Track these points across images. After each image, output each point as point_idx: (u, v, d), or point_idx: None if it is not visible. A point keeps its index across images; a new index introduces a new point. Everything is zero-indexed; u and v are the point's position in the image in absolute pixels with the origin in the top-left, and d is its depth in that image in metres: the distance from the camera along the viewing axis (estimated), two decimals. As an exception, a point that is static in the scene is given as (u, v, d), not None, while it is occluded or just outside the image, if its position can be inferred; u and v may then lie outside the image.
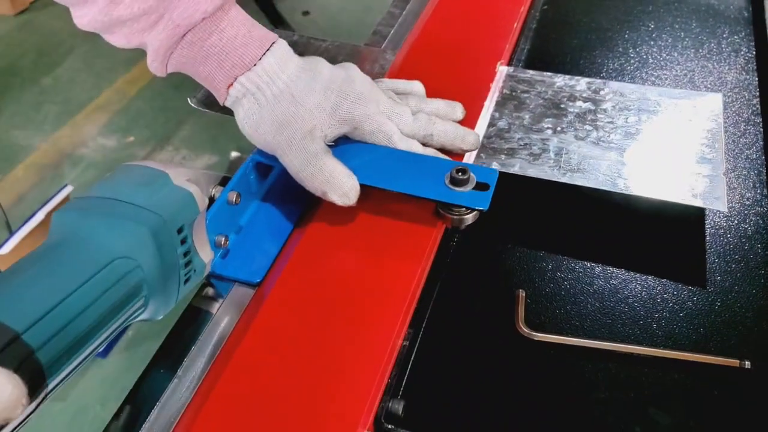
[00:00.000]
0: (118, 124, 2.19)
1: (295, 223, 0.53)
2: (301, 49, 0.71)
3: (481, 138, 0.58)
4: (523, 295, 0.50)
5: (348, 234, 0.50)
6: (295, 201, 0.53)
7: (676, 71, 0.70)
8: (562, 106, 0.61)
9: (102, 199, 0.39)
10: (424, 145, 0.54)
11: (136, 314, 0.38)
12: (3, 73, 2.43)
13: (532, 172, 0.55)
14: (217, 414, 0.40)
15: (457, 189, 0.49)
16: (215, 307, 0.48)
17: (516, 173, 0.55)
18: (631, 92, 0.62)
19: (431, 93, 0.60)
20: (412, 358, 0.47)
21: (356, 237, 0.50)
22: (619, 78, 0.70)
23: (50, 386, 0.31)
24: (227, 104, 0.51)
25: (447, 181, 0.49)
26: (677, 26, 0.76)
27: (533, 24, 0.79)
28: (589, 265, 0.52)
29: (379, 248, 0.49)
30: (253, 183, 0.54)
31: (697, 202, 0.51)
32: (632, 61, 0.72)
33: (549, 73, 0.65)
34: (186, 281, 0.42)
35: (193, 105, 0.65)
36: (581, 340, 0.47)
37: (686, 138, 0.57)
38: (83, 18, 0.49)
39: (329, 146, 0.51)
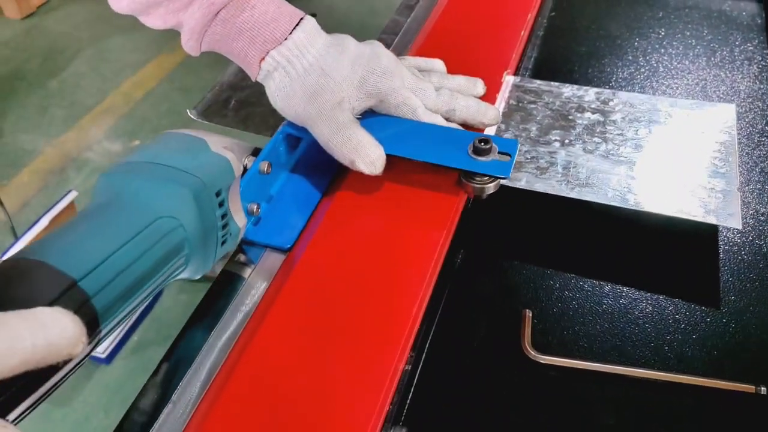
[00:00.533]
0: (123, 128, 2.18)
1: (323, 193, 0.55)
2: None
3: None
4: (530, 315, 0.48)
5: (374, 202, 0.52)
6: (323, 172, 0.55)
7: (688, 80, 0.68)
8: (570, 117, 0.60)
9: (145, 163, 0.41)
10: (447, 120, 0.56)
11: (178, 272, 0.40)
12: (9, 78, 2.43)
13: (540, 186, 0.53)
14: (246, 381, 0.41)
15: (479, 158, 0.50)
16: (247, 273, 0.49)
17: (523, 188, 0.53)
18: (641, 103, 0.60)
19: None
20: (414, 382, 0.45)
21: (382, 205, 0.52)
22: (629, 87, 0.68)
23: (102, 333, 0.33)
24: (259, 79, 0.52)
25: (470, 151, 0.51)
26: (688, 33, 0.75)
27: (540, 31, 0.77)
28: (597, 283, 0.51)
29: (404, 216, 0.51)
30: (282, 154, 0.55)
31: (710, 219, 0.49)
32: (642, 70, 0.70)
33: (557, 83, 0.63)
34: (223, 243, 0.44)
35: (192, 117, 0.64)
36: (590, 363, 0.46)
37: (698, 151, 0.55)
38: (121, 2, 0.50)
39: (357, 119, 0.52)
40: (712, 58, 0.71)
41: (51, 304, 0.29)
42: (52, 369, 0.28)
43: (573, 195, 0.52)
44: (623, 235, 0.54)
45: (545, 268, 0.52)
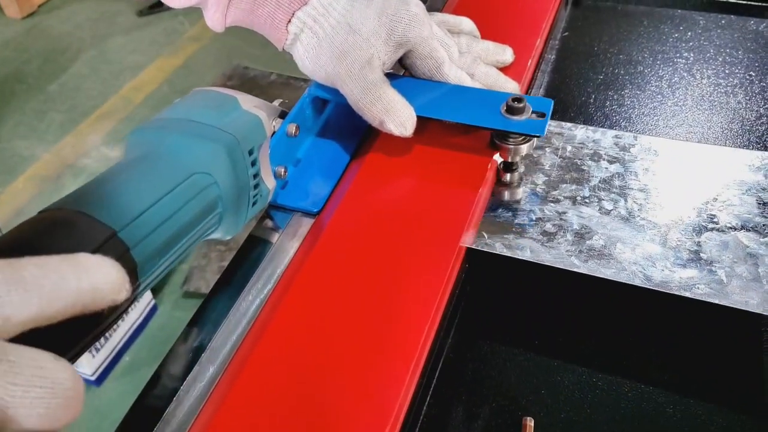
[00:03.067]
0: (122, 132, 2.11)
1: (352, 156, 0.53)
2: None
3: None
4: (532, 424, 0.40)
5: (404, 165, 0.51)
6: (351, 135, 0.54)
7: (721, 118, 0.59)
8: (584, 168, 0.51)
9: (177, 120, 0.40)
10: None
11: (211, 230, 0.40)
12: (8, 80, 2.37)
13: (546, 258, 0.45)
14: (278, 338, 0.41)
15: (513, 118, 0.48)
16: (275, 238, 0.49)
17: (527, 260, 0.45)
18: (667, 150, 0.51)
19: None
20: None
21: (412, 168, 0.50)
22: (652, 125, 0.59)
23: (140, 287, 0.33)
24: (286, 46, 0.51)
25: (503, 111, 0.49)
26: (721, 59, 0.65)
27: (551, 55, 0.68)
28: (615, 381, 0.42)
29: (435, 179, 0.49)
30: (309, 118, 0.54)
31: (753, 308, 0.41)
32: (668, 104, 0.61)
33: (568, 125, 0.54)
34: (254, 204, 0.43)
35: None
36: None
37: (738, 213, 0.46)
38: None
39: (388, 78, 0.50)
40: (750, 89, 0.62)
41: (93, 252, 0.28)
42: (95, 318, 0.28)
43: (584, 271, 0.43)
44: (647, 318, 0.45)
45: (552, 360, 0.44)
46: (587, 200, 0.48)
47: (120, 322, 1.53)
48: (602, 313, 0.46)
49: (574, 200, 0.48)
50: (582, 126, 0.54)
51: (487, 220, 0.47)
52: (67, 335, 0.28)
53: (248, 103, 0.44)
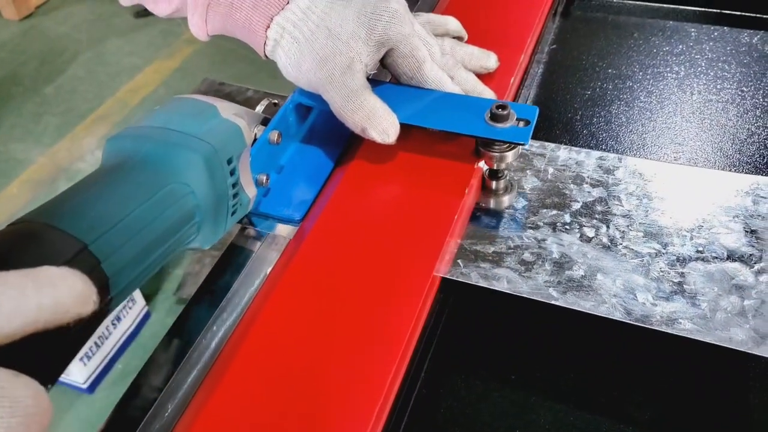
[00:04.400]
0: (118, 136, 2.10)
1: (335, 163, 0.53)
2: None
3: (461, 242, 0.46)
4: (504, 468, 0.38)
5: (388, 173, 0.50)
6: (335, 142, 0.54)
7: (712, 136, 0.57)
8: (566, 192, 0.49)
9: (154, 128, 0.40)
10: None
11: (189, 240, 0.39)
12: (4, 82, 2.36)
13: (524, 289, 0.43)
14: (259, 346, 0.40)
15: (497, 125, 0.48)
16: (256, 246, 0.48)
17: (504, 291, 0.43)
18: (654, 173, 0.50)
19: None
20: None
21: (396, 176, 0.50)
22: (639, 144, 0.57)
23: (113, 301, 0.32)
24: (267, 52, 0.51)
25: (487, 118, 0.48)
26: (712, 73, 0.63)
27: (538, 68, 0.66)
28: (593, 420, 0.40)
29: (419, 186, 0.49)
30: (292, 125, 0.54)
31: (735, 345, 0.39)
32: (657, 120, 0.59)
33: (552, 145, 0.52)
34: (233, 213, 0.43)
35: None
36: None
37: (725, 242, 0.44)
38: None
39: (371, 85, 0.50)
40: (743, 105, 0.60)
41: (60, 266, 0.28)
42: (61, 332, 0.26)
43: (561, 303, 0.42)
44: (628, 353, 0.44)
45: (528, 396, 0.42)
46: (568, 227, 0.46)
47: (113, 329, 1.52)
48: (581, 346, 0.44)
49: (554, 227, 0.46)
50: (565, 147, 0.52)
51: (464, 247, 0.46)
52: (31, 351, 0.26)
53: (228, 111, 0.43)
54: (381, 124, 0.47)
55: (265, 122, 0.50)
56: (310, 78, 0.49)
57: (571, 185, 0.49)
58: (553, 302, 0.42)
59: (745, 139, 0.57)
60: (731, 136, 0.57)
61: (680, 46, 0.66)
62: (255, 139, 0.48)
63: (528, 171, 0.51)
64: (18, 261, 0.28)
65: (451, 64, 0.54)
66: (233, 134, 0.42)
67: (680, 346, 0.41)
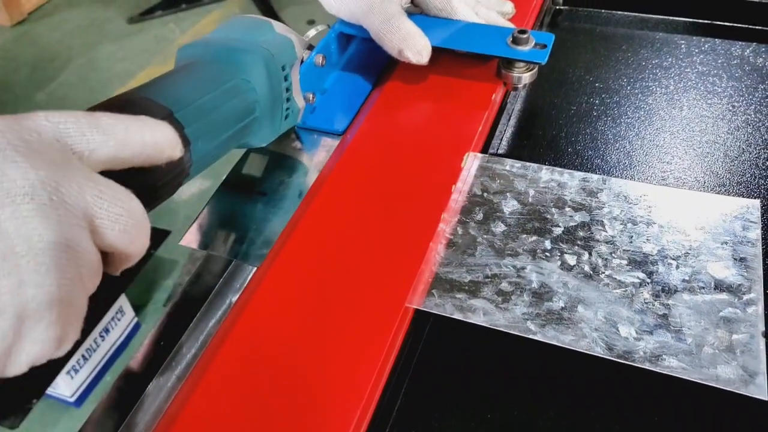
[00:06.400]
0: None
1: (374, 85, 0.59)
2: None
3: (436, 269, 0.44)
4: None
5: (420, 91, 0.57)
6: (372, 70, 0.61)
7: (700, 153, 0.55)
8: (547, 216, 0.47)
9: (220, 38, 0.47)
10: None
11: (249, 133, 0.46)
12: (-4, 89, 2.34)
13: (501, 322, 0.41)
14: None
15: (518, 47, 0.54)
16: (303, 157, 0.54)
17: (480, 324, 0.41)
18: (639, 196, 0.47)
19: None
20: None
21: (428, 93, 0.56)
22: (626, 163, 0.55)
23: (191, 166, 0.38)
24: None
25: (509, 42, 0.55)
26: (703, 87, 0.61)
27: (524, 82, 0.64)
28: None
29: (448, 100, 0.56)
30: (334, 53, 0.60)
31: (722, 384, 0.37)
32: (645, 138, 0.57)
33: (534, 166, 0.50)
34: (286, 117, 0.50)
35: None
36: None
37: (712, 271, 0.42)
38: None
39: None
40: (734, 121, 0.58)
41: None
42: (154, 175, 0.34)
43: (540, 337, 0.40)
44: (610, 389, 0.41)
45: (504, 436, 0.40)
46: (548, 254, 0.44)
47: (101, 341, 1.49)
48: (562, 380, 0.42)
49: (534, 254, 0.44)
50: (548, 167, 0.50)
51: (439, 276, 0.43)
52: (134, 186, 0.31)
53: (281, 27, 0.49)
54: (416, 45, 0.52)
55: (310, 48, 0.56)
56: (351, 8, 0.54)
57: (553, 209, 0.47)
58: (531, 336, 0.39)
59: (736, 156, 0.54)
60: (722, 154, 0.55)
61: (670, 59, 0.64)
62: (302, 61, 0.53)
63: (508, 194, 0.49)
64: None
65: (472, 3, 0.59)
66: (286, 45, 0.48)
67: (665, 381, 0.39)
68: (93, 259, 0.27)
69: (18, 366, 0.26)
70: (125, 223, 0.28)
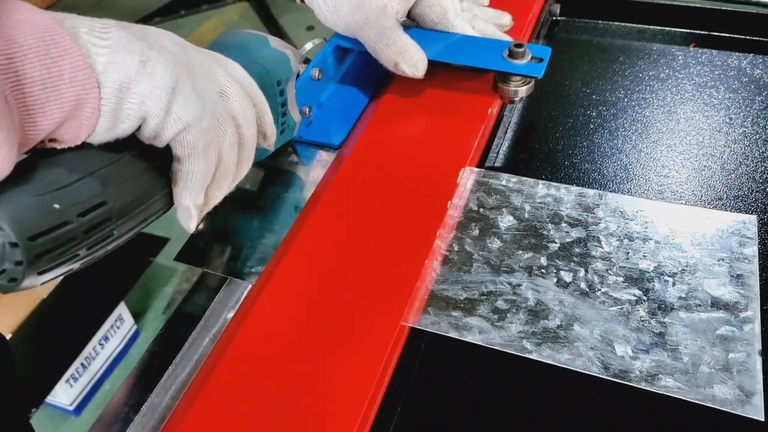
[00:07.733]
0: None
1: (370, 98, 0.60)
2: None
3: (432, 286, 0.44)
4: None
5: (416, 104, 0.57)
6: (368, 82, 0.61)
7: (698, 166, 0.55)
8: (543, 232, 0.47)
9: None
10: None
11: None
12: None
13: (497, 341, 0.40)
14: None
15: (514, 61, 0.54)
16: (299, 170, 0.55)
17: (475, 342, 0.40)
18: (635, 211, 0.47)
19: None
20: None
21: (424, 107, 0.57)
22: (623, 176, 0.55)
23: None
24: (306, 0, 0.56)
25: (505, 55, 0.54)
26: (700, 99, 0.61)
27: (520, 94, 0.64)
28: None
29: (444, 114, 0.56)
30: (330, 67, 0.61)
31: (719, 404, 0.36)
32: (642, 151, 0.57)
33: (530, 181, 0.50)
34: (282, 132, 0.49)
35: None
36: None
37: (708, 288, 0.42)
38: None
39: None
40: (731, 134, 0.57)
41: None
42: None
43: (535, 356, 0.39)
44: (608, 409, 0.41)
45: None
46: (544, 271, 0.44)
47: (100, 349, 1.49)
48: (558, 400, 0.42)
49: (530, 271, 0.44)
50: (544, 182, 0.50)
51: (435, 293, 0.43)
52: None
53: (276, 42, 0.49)
54: (411, 58, 0.53)
55: (306, 62, 0.56)
56: (348, 22, 0.54)
57: (549, 225, 0.47)
58: (526, 355, 0.39)
59: (733, 170, 0.54)
60: (719, 168, 0.55)
61: (667, 71, 0.64)
62: (299, 75, 0.53)
63: (504, 209, 0.48)
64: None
65: (469, 16, 0.59)
66: (281, 61, 0.48)
67: (662, 400, 0.39)
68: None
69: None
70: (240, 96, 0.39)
